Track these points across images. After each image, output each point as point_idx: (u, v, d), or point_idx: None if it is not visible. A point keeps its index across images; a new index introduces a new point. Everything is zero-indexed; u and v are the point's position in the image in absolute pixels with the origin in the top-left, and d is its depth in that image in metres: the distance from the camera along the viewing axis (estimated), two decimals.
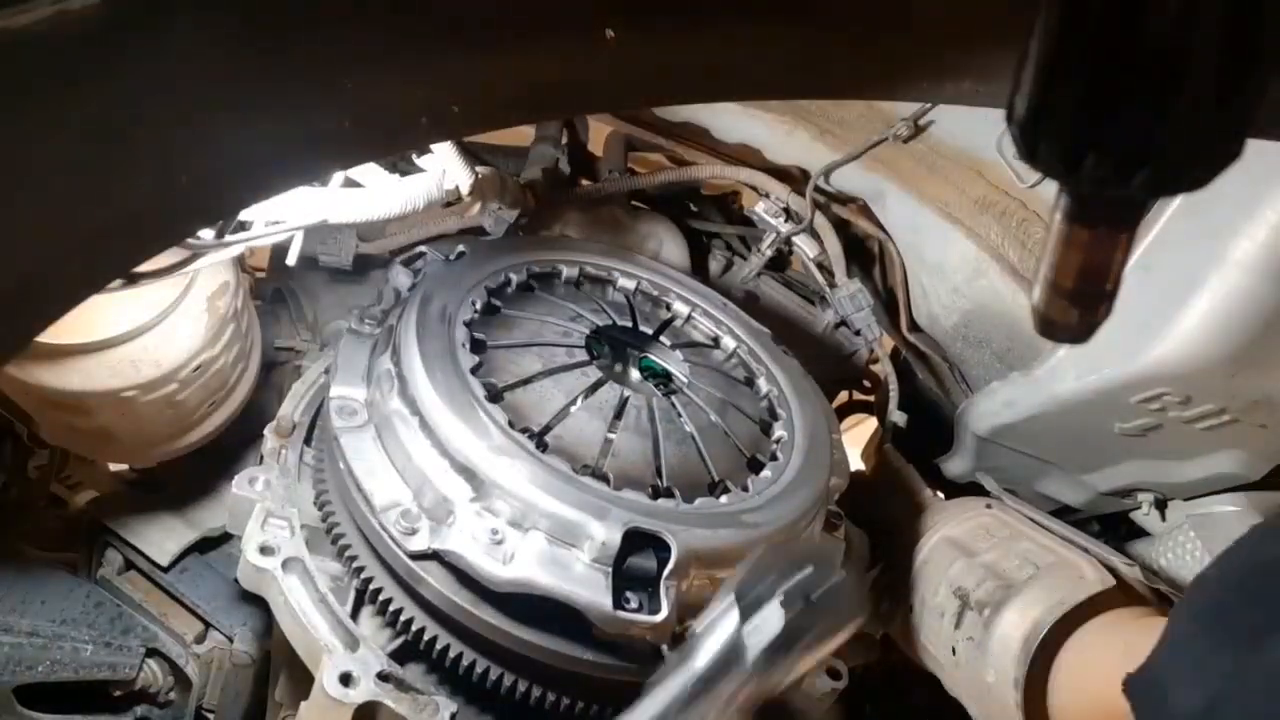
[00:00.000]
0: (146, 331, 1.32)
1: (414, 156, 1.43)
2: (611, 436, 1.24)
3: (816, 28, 0.68)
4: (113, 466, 1.64)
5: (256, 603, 1.36)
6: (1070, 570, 1.33)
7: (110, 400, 1.32)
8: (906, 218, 1.70)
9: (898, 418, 1.74)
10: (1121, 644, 1.20)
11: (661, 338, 1.46)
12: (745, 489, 1.25)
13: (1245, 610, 0.74)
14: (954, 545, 1.47)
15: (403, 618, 1.17)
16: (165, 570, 1.55)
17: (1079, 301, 0.52)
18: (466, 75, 0.68)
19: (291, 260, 1.45)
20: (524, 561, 1.08)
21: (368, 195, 1.36)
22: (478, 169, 1.51)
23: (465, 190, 1.47)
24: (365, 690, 1.11)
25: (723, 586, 0.91)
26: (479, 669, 1.15)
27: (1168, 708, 0.75)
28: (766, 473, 1.28)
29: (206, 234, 1.19)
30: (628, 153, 1.97)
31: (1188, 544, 1.50)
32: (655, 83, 0.75)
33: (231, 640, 1.53)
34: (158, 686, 1.51)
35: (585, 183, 1.91)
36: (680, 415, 1.31)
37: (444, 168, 1.43)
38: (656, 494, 1.18)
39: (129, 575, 1.58)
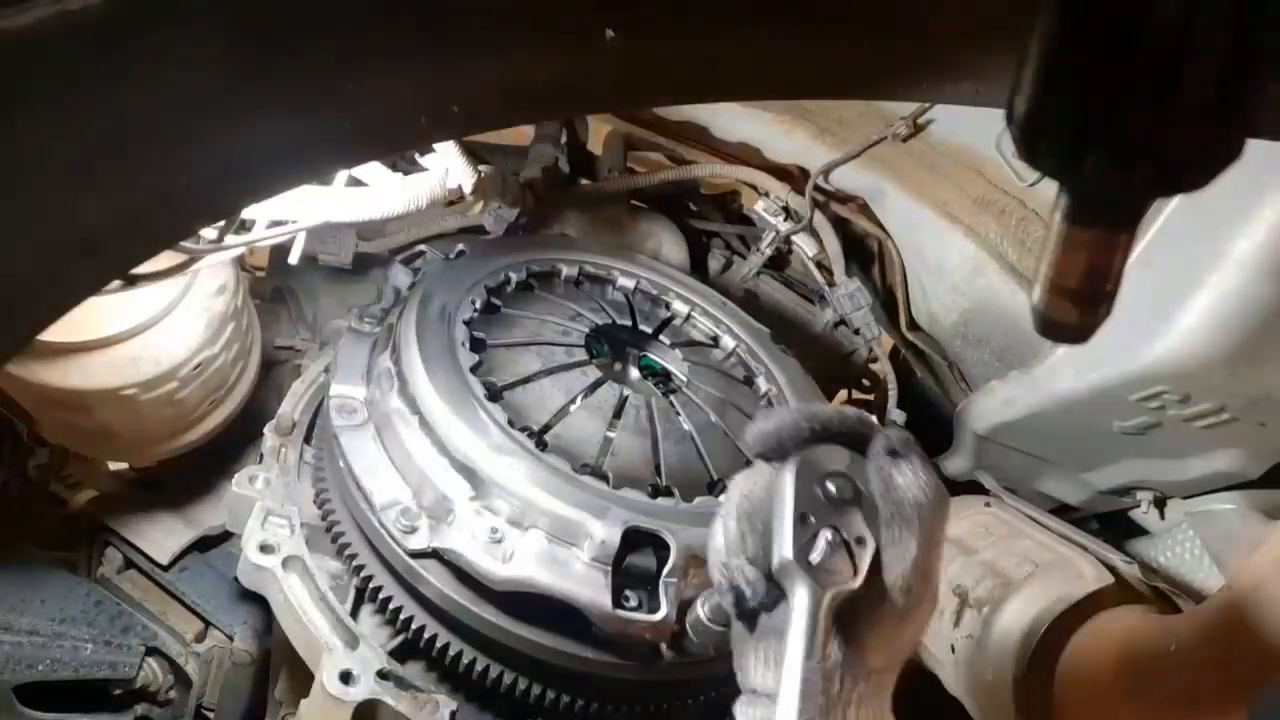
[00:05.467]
0: (146, 330, 1.32)
1: (416, 155, 1.43)
2: (611, 435, 1.24)
3: (816, 28, 0.68)
4: (112, 465, 1.64)
5: (256, 601, 1.37)
6: (1069, 568, 1.33)
7: (110, 398, 1.32)
8: (906, 216, 1.70)
9: (897, 416, 1.74)
10: (1120, 642, 1.20)
11: (661, 337, 1.46)
12: None
13: None
14: (953, 543, 1.47)
15: (403, 616, 1.17)
16: (165, 569, 1.55)
17: (1079, 301, 0.52)
18: (466, 75, 0.68)
19: (294, 259, 1.44)
20: (523, 560, 1.08)
21: (371, 194, 1.36)
22: (480, 168, 1.51)
23: (468, 189, 1.47)
24: (365, 688, 1.11)
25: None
26: (479, 667, 1.15)
27: None
28: None
29: (208, 234, 1.18)
30: (627, 152, 1.97)
31: (1186, 542, 1.50)
32: (655, 83, 0.75)
33: (231, 639, 1.53)
34: (158, 685, 1.51)
35: (585, 182, 1.91)
36: (679, 414, 1.31)
37: (447, 166, 1.43)
38: (656, 493, 1.18)
39: (129, 574, 1.58)
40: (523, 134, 1.89)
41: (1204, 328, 1.16)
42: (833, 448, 0.82)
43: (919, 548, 0.77)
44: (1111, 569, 1.32)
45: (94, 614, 1.48)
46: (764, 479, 0.81)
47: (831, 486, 0.79)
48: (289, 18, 0.60)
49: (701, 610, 1.01)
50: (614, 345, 1.44)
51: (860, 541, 0.77)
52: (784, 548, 0.75)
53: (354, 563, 1.20)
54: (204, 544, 1.58)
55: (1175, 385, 1.24)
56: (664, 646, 1.12)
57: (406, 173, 1.42)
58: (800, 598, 0.73)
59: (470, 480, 1.13)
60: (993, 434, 1.58)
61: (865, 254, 1.92)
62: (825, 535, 0.76)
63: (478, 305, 1.33)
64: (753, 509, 0.80)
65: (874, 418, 0.87)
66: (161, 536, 1.56)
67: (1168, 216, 1.19)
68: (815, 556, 0.75)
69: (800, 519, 0.77)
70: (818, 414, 0.83)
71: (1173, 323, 1.18)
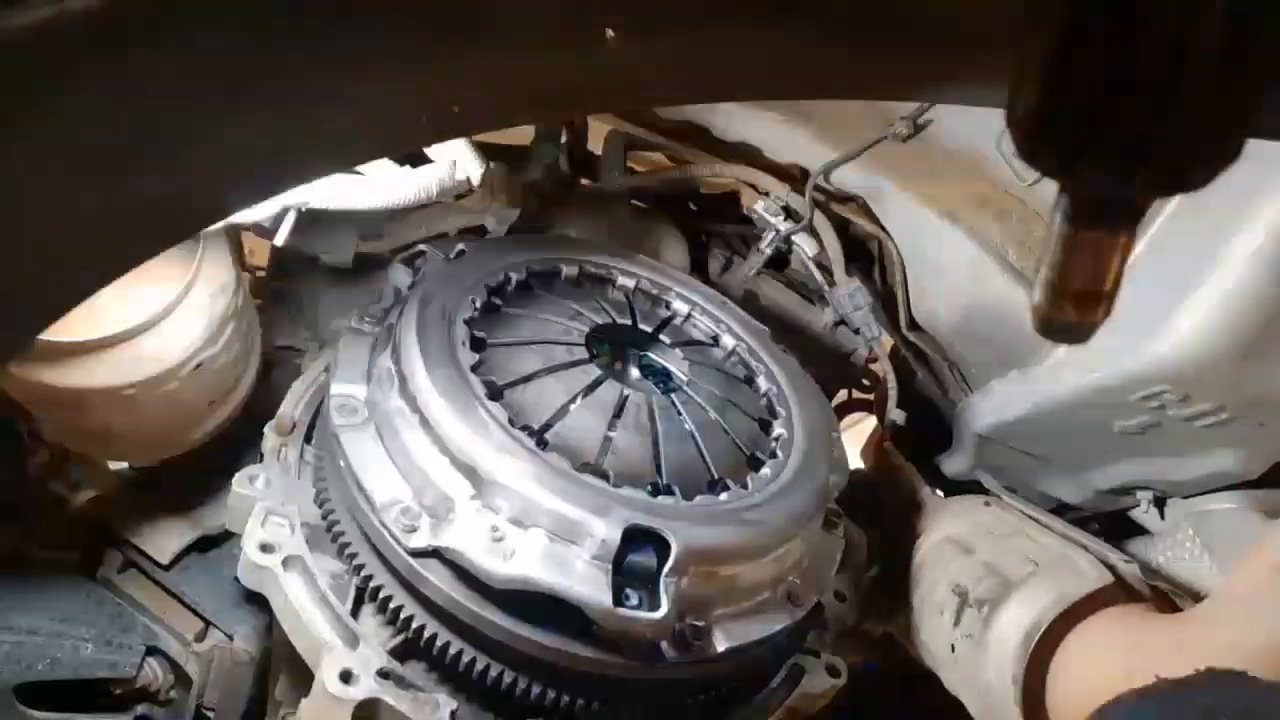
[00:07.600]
0: (147, 329, 1.32)
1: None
2: (611, 434, 1.24)
3: (816, 28, 0.68)
4: (113, 465, 1.64)
5: (257, 601, 1.36)
6: (1069, 567, 1.33)
7: (111, 398, 1.32)
8: (906, 216, 1.70)
9: (897, 416, 1.74)
10: (1120, 641, 1.20)
11: (661, 336, 1.46)
12: (745, 486, 1.25)
13: None
14: (953, 543, 1.47)
15: (403, 615, 1.17)
16: (166, 569, 1.55)
17: (1078, 302, 0.52)
18: (467, 75, 0.69)
19: (280, 241, 1.43)
20: (524, 559, 1.09)
21: (383, 183, 1.36)
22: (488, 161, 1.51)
23: (476, 181, 1.47)
24: (365, 688, 1.11)
25: None
26: (479, 666, 1.15)
27: None
28: (766, 470, 1.29)
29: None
30: (628, 152, 1.97)
31: (1186, 542, 1.50)
32: (655, 83, 0.75)
33: (232, 638, 1.53)
34: (158, 685, 1.51)
35: (585, 182, 1.91)
36: (680, 413, 1.31)
37: (455, 158, 1.43)
38: (656, 491, 1.18)
39: (129, 574, 1.57)
40: (523, 134, 1.89)
41: (1204, 328, 1.16)
42: None
43: None
44: (1111, 569, 1.33)
45: (94, 614, 1.47)
46: None
47: None
48: (290, 18, 0.60)
49: None
50: (614, 344, 1.44)
51: None
52: None
53: (354, 562, 1.20)
54: (204, 544, 1.58)
55: (1175, 385, 1.24)
56: (665, 645, 1.13)
57: (414, 164, 1.43)
58: None
59: (471, 479, 1.13)
60: (993, 434, 1.58)
61: (865, 254, 1.92)
62: None
63: (478, 305, 1.33)
64: None
65: None
66: (162, 536, 1.56)
67: (1168, 217, 1.19)
68: None
69: None
70: None
71: (1173, 323, 1.18)
